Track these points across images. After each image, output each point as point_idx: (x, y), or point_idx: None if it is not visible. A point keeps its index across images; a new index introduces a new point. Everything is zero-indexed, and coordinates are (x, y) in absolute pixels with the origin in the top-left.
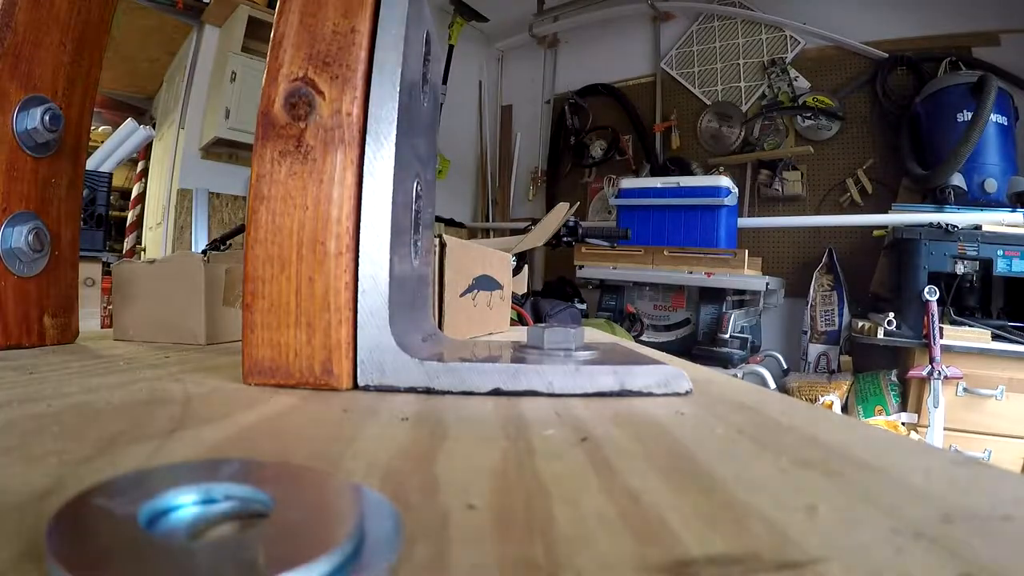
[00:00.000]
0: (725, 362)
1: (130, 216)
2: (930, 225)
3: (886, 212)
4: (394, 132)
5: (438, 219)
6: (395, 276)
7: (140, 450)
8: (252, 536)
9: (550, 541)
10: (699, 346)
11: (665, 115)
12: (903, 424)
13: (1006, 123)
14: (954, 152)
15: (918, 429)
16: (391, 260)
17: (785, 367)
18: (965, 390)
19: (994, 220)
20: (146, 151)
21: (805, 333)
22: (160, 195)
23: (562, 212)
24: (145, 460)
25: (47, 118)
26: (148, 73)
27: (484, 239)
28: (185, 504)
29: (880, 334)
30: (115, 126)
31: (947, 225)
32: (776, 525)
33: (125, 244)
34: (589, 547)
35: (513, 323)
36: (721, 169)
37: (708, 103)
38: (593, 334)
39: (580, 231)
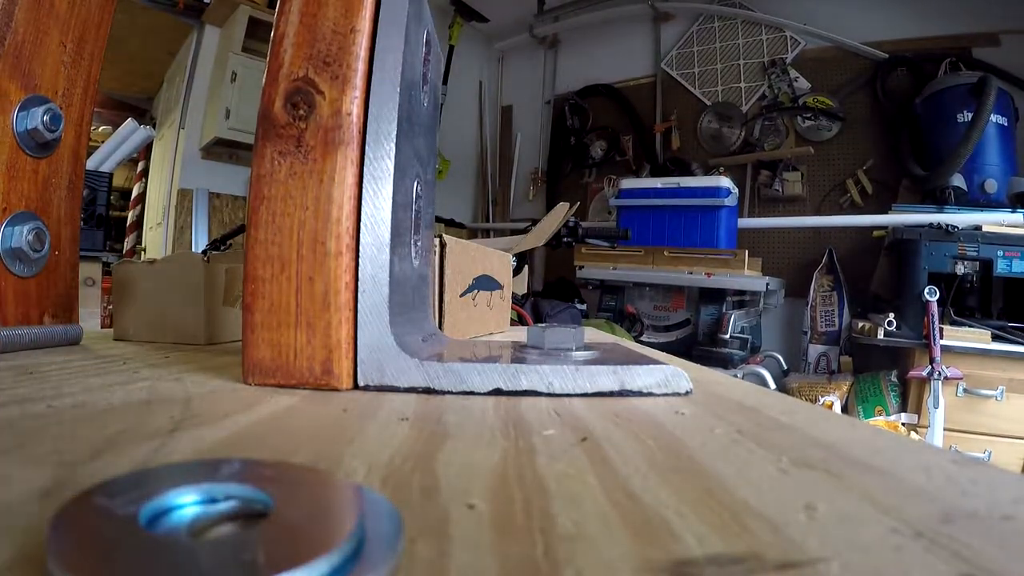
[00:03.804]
0: (725, 362)
1: (130, 216)
2: (930, 226)
3: (886, 212)
4: (394, 132)
5: (438, 219)
6: (395, 276)
7: (140, 450)
8: (252, 536)
9: (550, 541)
10: (699, 346)
11: (665, 115)
12: (903, 424)
13: (1006, 124)
14: (954, 153)
15: (918, 430)
16: (391, 260)
17: (785, 367)
18: (965, 391)
19: (994, 220)
20: (146, 151)
21: (805, 333)
22: (160, 195)
23: (562, 212)
24: (145, 460)
25: (47, 118)
26: (148, 73)
27: (484, 239)
28: (185, 504)
29: (880, 334)
30: (115, 126)
31: (947, 226)
32: (776, 525)
33: (125, 244)
34: (589, 547)
35: (513, 323)
36: (721, 169)
37: (708, 103)
38: (593, 334)
39: (580, 231)
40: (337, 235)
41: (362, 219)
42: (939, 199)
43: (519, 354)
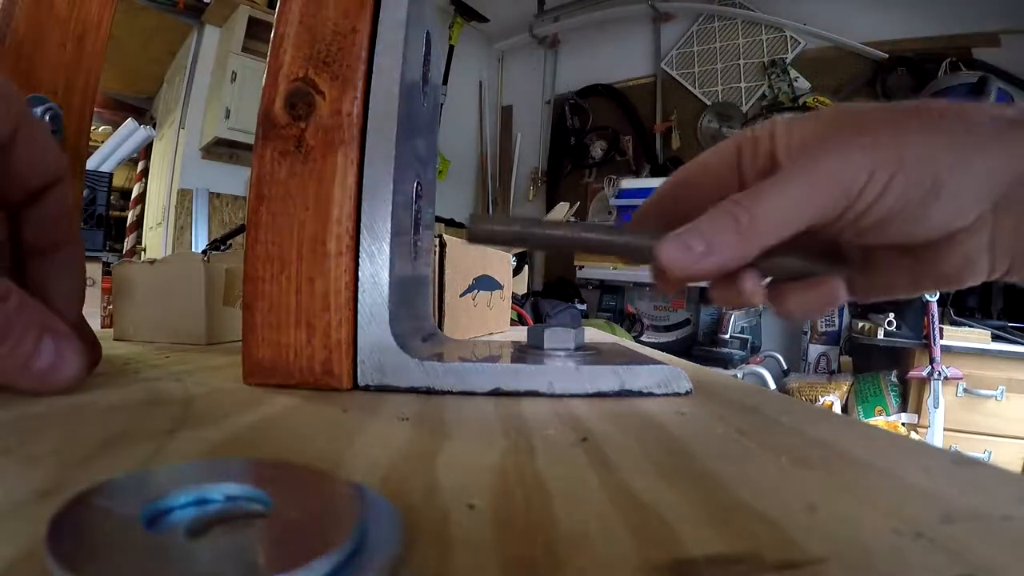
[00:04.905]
0: (725, 362)
1: (130, 216)
2: None
3: None
4: (394, 132)
5: (438, 219)
6: (395, 276)
7: (140, 450)
8: (252, 536)
9: (550, 541)
10: (699, 346)
11: (665, 115)
12: (903, 424)
13: None
14: None
15: (918, 430)
16: (391, 260)
17: (785, 367)
18: (965, 391)
19: None
20: (146, 151)
21: (805, 334)
22: (160, 195)
23: (562, 212)
24: (145, 460)
25: (47, 118)
26: (148, 73)
27: None
28: (186, 504)
29: (880, 335)
30: (115, 126)
31: None
32: (776, 525)
33: (125, 244)
34: (589, 547)
35: (513, 323)
36: None
37: (708, 103)
38: (593, 334)
39: None
40: (337, 235)
41: (362, 219)
42: None
43: (519, 354)
